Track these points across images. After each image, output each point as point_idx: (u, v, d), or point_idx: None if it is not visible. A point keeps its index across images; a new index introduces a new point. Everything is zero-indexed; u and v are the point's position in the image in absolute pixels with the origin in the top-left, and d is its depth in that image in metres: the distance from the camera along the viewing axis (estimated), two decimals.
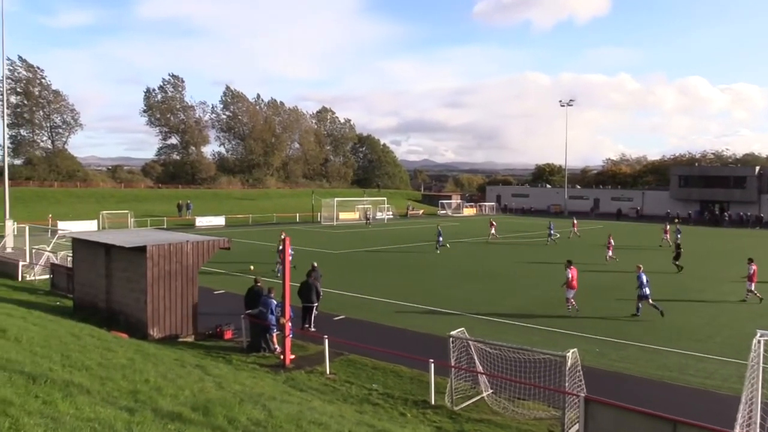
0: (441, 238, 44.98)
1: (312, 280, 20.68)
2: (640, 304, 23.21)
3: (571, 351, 12.59)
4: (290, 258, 19.66)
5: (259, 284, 19.97)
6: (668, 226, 54.50)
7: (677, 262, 35.65)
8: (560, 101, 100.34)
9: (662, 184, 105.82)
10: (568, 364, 12.29)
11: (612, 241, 40.97)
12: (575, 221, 62.05)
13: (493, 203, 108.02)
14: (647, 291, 23.14)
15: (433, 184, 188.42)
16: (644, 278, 23.31)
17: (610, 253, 39.78)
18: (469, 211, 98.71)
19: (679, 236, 47.38)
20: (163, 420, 7.94)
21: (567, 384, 12.27)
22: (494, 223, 55.35)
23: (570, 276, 23.91)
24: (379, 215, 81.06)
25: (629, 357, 17.67)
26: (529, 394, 14.01)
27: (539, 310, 23.95)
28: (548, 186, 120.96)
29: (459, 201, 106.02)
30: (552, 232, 51.25)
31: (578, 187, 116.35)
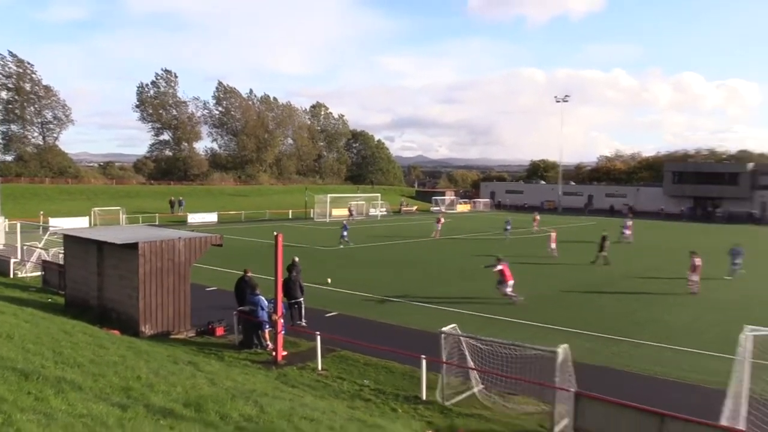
0: (509, 227, 51.43)
1: (295, 276, 20.76)
2: None
3: (562, 347, 12.73)
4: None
5: (249, 274, 20.10)
6: (629, 222, 54.38)
7: (601, 253, 36.37)
8: (555, 97, 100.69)
9: (657, 181, 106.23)
10: (559, 359, 12.43)
11: (554, 235, 41.82)
12: (536, 216, 61.97)
13: (487, 199, 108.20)
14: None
15: (427, 180, 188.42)
16: None
17: (553, 245, 40.35)
18: (463, 208, 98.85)
19: (625, 231, 49.82)
20: (156, 416, 8.03)
21: (558, 379, 12.41)
22: (442, 220, 54.99)
23: (500, 270, 24.46)
24: (372, 211, 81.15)
25: (618, 353, 17.83)
26: (520, 390, 14.15)
27: (532, 305, 24.11)
28: (542, 182, 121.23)
29: (453, 197, 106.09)
30: (508, 228, 51.56)
31: (572, 183, 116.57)
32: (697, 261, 27.97)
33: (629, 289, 28.30)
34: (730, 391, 11.48)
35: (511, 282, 24.54)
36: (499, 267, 24.59)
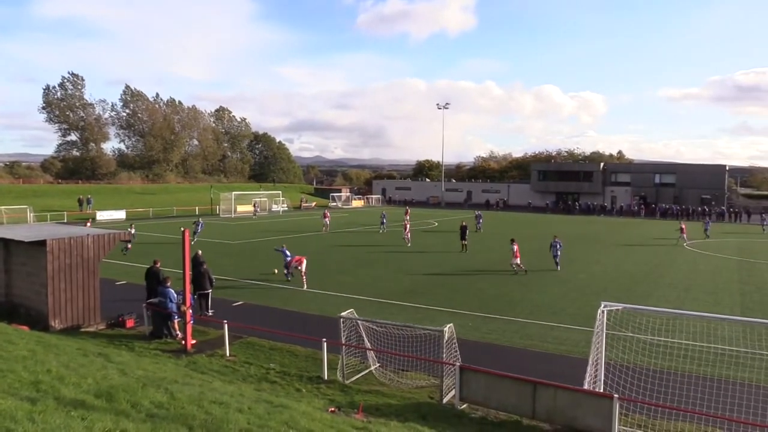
0: (385, 221, 51.10)
1: (205, 268, 20.17)
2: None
3: (448, 326, 12.99)
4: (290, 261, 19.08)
5: (157, 265, 19.51)
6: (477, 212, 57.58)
7: (463, 242, 38.14)
8: (437, 104, 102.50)
9: (525, 178, 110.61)
10: (446, 337, 12.68)
11: (408, 223, 44.60)
12: (408, 209, 63.23)
13: (379, 196, 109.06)
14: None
15: (324, 178, 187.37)
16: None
17: (407, 234, 41.76)
18: (357, 203, 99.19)
19: (479, 224, 52.97)
20: (66, 408, 7.51)
21: (444, 355, 12.65)
22: (328, 214, 53.09)
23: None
24: (274, 207, 79.93)
25: (497, 329, 18.42)
26: (412, 366, 14.33)
27: (421, 290, 24.50)
28: (427, 180, 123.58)
29: (348, 194, 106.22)
30: (384, 222, 51.27)
31: (453, 180, 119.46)
32: (516, 247, 30.17)
33: (504, 273, 29.31)
34: (590, 359, 12.08)
35: (517, 259, 29.51)
36: (514, 247, 29.93)
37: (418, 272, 29.35)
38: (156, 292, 19.61)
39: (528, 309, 21.39)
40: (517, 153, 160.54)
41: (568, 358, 15.57)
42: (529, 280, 27.62)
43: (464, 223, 39.74)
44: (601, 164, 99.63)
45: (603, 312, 12.07)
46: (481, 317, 19.95)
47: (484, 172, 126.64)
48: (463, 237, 38.29)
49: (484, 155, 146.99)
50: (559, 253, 31.52)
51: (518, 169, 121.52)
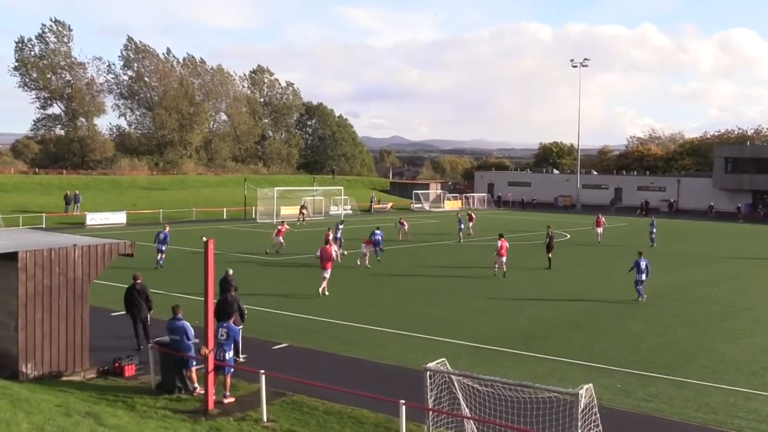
0: (463, 226, 55.59)
1: (233, 295, 20.57)
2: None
3: (585, 387, 12.72)
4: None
5: (139, 281, 20.06)
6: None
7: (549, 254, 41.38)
8: (571, 61, 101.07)
9: (704, 169, 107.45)
10: (581, 404, 12.42)
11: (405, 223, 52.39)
12: (403, 220, 62.74)
13: (483, 194, 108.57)
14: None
15: (405, 168, 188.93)
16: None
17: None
18: (452, 204, 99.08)
19: (652, 234, 54.19)
20: None
21: (580, 430, 12.41)
22: (404, 222, 56.52)
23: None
24: (333, 210, 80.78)
25: (661, 395, 17.93)
26: None
27: (544, 332, 24.18)
28: (555, 171, 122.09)
29: (439, 191, 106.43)
30: (462, 227, 55.79)
31: (594, 172, 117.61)
32: (503, 244, 36.61)
33: (668, 310, 28.61)
34: None
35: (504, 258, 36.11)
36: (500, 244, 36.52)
37: (539, 305, 29.04)
38: (142, 320, 20.26)
39: (709, 365, 20.73)
40: (692, 132, 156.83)
41: None
42: (713, 321, 26.81)
43: (550, 230, 42.23)
44: None
45: None
46: (635, 375, 19.50)
47: (640, 160, 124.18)
48: (549, 248, 41.00)
49: (641, 135, 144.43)
50: (644, 277, 30.86)
51: (693, 156, 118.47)
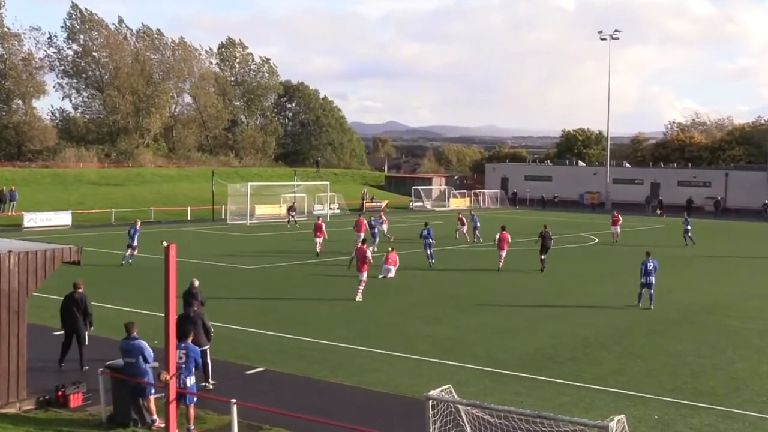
0: (478, 224, 57.76)
1: (196, 311, 20.58)
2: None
3: (617, 419, 12.82)
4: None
5: (80, 290, 20.09)
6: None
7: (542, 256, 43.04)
8: (600, 32, 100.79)
9: (757, 160, 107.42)
10: None
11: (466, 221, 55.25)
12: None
13: (496, 190, 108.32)
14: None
15: (403, 160, 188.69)
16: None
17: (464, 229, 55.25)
18: (458, 203, 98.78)
19: (687, 233, 56.28)
20: None
21: None
22: (384, 218, 58.91)
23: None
24: (318, 209, 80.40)
25: (706, 428, 17.97)
26: None
27: (566, 353, 24.30)
28: (581, 164, 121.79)
29: (443, 187, 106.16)
30: (477, 225, 57.85)
31: (627, 164, 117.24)
32: (506, 236, 41.84)
33: (714, 328, 28.69)
34: None
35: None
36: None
37: (561, 321, 29.14)
38: (76, 336, 20.18)
39: (764, 393, 20.76)
40: (742, 116, 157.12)
41: None
42: (760, 340, 26.91)
43: (547, 229, 44.16)
44: None
45: None
46: (675, 405, 19.56)
47: (681, 150, 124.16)
48: (544, 249, 42.72)
49: (682, 120, 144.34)
50: (651, 279, 31.90)
51: (744, 145, 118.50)
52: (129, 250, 41.68)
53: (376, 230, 51.02)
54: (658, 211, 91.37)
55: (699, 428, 17.87)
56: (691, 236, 56.69)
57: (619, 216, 60.98)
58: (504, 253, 41.85)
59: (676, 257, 49.05)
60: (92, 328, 21.91)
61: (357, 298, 32.08)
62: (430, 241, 44.01)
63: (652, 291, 31.98)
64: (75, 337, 21.50)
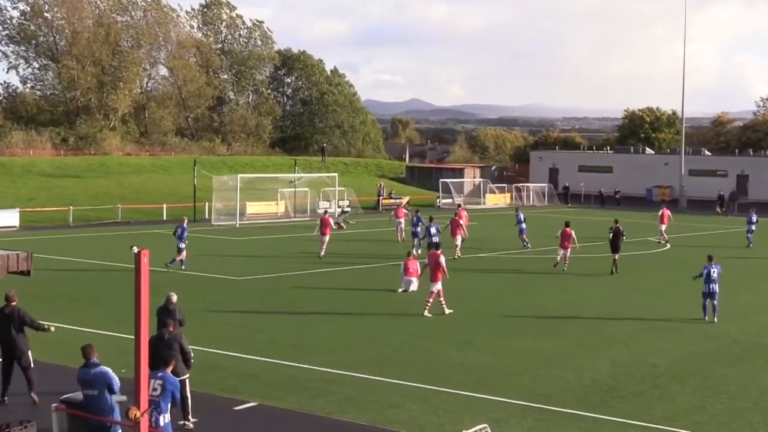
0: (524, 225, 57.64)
1: (172, 332, 20.26)
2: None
3: None
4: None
5: (13, 303, 20.51)
6: (520, 210, 62.41)
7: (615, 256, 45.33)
8: None
9: None
10: None
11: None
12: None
13: (544, 184, 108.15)
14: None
15: (428, 146, 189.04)
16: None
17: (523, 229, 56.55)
18: (496, 199, 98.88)
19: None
20: None
21: None
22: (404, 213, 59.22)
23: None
24: (324, 206, 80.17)
25: None
26: None
27: (632, 386, 24.07)
28: (648, 151, 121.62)
29: (478, 180, 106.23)
30: (523, 227, 57.87)
31: (706, 152, 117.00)
32: (569, 232, 45.08)
33: None
34: None
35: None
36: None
37: (624, 346, 29.02)
38: (17, 360, 20.05)
39: None
40: None
41: None
42: None
43: (618, 224, 46.91)
44: None
45: None
46: None
47: None
48: (615, 248, 45.31)
49: None
50: (715, 288, 32.73)
51: None
52: (182, 254, 43.60)
53: (419, 229, 51.66)
54: (718, 209, 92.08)
55: None
56: (749, 236, 59.68)
57: (668, 212, 62.36)
58: (568, 252, 45.15)
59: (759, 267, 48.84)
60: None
61: (443, 310, 33.38)
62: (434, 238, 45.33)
63: (715, 302, 32.61)
64: (17, 361, 21.20)
